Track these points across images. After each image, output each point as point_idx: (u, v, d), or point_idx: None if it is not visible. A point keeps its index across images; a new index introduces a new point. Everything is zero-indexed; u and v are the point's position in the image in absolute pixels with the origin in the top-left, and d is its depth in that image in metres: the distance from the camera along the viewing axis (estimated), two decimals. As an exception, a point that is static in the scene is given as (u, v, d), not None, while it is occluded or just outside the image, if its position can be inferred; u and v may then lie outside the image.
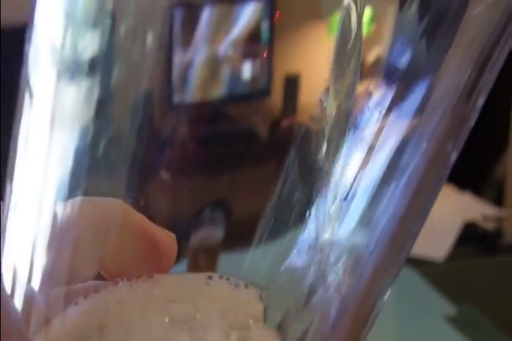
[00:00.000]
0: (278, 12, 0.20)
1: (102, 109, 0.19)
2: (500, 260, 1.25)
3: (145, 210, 0.21)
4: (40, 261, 0.20)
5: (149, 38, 0.19)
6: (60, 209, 0.20)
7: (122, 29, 0.18)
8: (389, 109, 0.19)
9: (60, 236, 0.20)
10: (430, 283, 1.13)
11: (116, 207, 0.20)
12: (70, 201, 0.20)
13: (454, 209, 1.29)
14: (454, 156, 0.19)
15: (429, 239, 1.14)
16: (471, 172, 1.28)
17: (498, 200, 1.42)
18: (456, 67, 0.19)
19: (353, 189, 0.19)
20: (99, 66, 0.19)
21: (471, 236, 1.29)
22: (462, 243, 1.27)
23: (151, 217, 0.21)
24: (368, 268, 0.20)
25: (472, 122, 0.19)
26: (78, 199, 0.20)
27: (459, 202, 1.32)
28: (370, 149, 0.19)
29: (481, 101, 0.19)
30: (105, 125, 0.19)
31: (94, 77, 0.19)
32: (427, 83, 0.19)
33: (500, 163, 1.48)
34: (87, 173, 0.20)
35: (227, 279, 0.21)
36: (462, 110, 0.19)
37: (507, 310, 1.10)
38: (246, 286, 0.21)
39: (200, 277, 0.21)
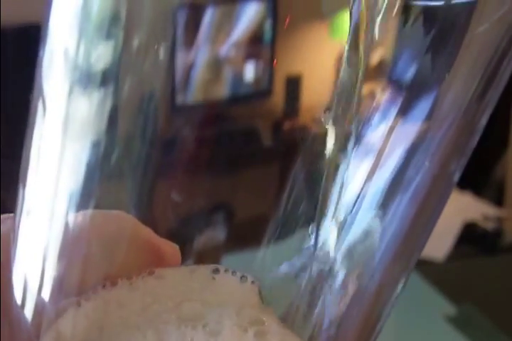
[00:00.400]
0: (287, 17, 0.20)
1: (111, 114, 0.19)
2: (500, 260, 1.25)
3: (147, 212, 0.21)
4: (50, 272, 0.20)
5: (153, 40, 0.19)
6: (71, 221, 0.20)
7: (125, 32, 0.18)
8: (391, 128, 0.19)
9: (70, 248, 0.20)
10: (430, 283, 1.13)
11: (126, 220, 0.20)
12: (81, 213, 0.20)
13: (454, 209, 1.29)
14: (457, 176, 0.19)
15: (429, 239, 1.14)
16: (471, 172, 1.28)
17: (498, 200, 1.42)
18: (460, 85, 0.18)
19: (356, 205, 0.19)
20: (106, 71, 0.19)
21: (471, 236, 1.29)
22: (462, 243, 1.27)
23: (154, 219, 0.21)
24: (372, 281, 0.20)
25: (475, 142, 0.19)
26: (89, 211, 0.20)
27: (459, 202, 1.32)
28: (373, 167, 0.19)
29: (484, 120, 0.19)
30: (112, 129, 0.19)
31: (101, 82, 0.19)
32: (430, 102, 0.18)
33: (500, 163, 1.48)
34: (99, 181, 0.20)
35: (233, 273, 0.21)
36: (466, 129, 0.19)
37: (507, 310, 1.10)
38: (252, 282, 0.21)
39: (205, 271, 0.21)
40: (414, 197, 0.19)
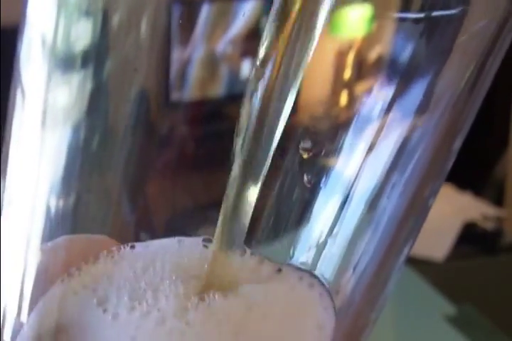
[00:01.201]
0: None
1: (99, 106, 0.19)
2: (500, 260, 1.25)
3: (143, 210, 0.21)
4: (28, 299, 0.20)
5: (147, 36, 0.19)
6: (49, 247, 0.19)
7: (121, 26, 0.18)
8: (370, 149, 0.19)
9: (48, 276, 0.20)
10: (430, 283, 1.13)
11: (109, 244, 0.20)
12: (64, 237, 0.20)
13: (454, 209, 1.29)
14: (431, 202, 0.20)
15: (429, 239, 1.14)
16: (471, 172, 1.28)
17: (498, 200, 1.42)
18: (437, 108, 0.18)
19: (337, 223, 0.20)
20: (97, 64, 0.18)
21: (471, 236, 1.29)
22: (462, 243, 1.27)
23: (150, 217, 0.21)
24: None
25: (449, 167, 0.19)
26: (67, 237, 0.20)
27: (459, 202, 1.32)
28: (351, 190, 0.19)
29: (457, 144, 0.19)
30: (102, 123, 0.19)
31: (92, 75, 0.19)
32: (404, 128, 0.18)
33: (500, 163, 1.48)
34: (83, 172, 0.20)
35: None
36: (440, 154, 0.19)
37: (507, 310, 1.10)
38: (252, 254, 0.21)
39: (195, 241, 0.20)
40: (388, 225, 0.19)
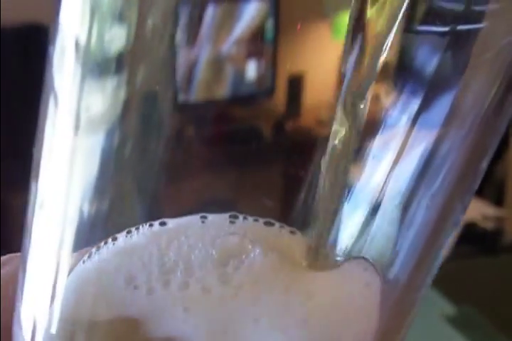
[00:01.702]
0: (289, 16, 0.20)
1: (131, 110, 0.19)
2: (500, 260, 1.25)
3: (149, 210, 0.21)
4: (59, 306, 0.20)
5: (154, 38, 0.19)
6: (75, 257, 0.19)
7: (126, 29, 0.18)
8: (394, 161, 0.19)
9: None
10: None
11: None
12: (86, 249, 0.20)
13: (453, 209, 1.29)
14: (461, 216, 0.19)
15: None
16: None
17: (498, 200, 1.42)
18: (461, 127, 0.18)
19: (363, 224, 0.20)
20: (129, 68, 0.18)
21: (471, 236, 1.29)
22: (462, 243, 1.27)
23: (156, 217, 0.21)
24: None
25: (477, 185, 0.19)
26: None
27: (458, 202, 1.32)
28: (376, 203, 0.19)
29: (485, 163, 0.19)
30: (130, 127, 0.19)
31: (124, 79, 0.19)
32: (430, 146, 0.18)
33: (500, 163, 1.48)
34: (115, 176, 0.20)
35: (256, 220, 0.20)
36: (467, 171, 0.19)
37: (507, 311, 1.10)
38: (281, 227, 0.20)
39: (221, 217, 0.20)
40: (416, 240, 0.19)
